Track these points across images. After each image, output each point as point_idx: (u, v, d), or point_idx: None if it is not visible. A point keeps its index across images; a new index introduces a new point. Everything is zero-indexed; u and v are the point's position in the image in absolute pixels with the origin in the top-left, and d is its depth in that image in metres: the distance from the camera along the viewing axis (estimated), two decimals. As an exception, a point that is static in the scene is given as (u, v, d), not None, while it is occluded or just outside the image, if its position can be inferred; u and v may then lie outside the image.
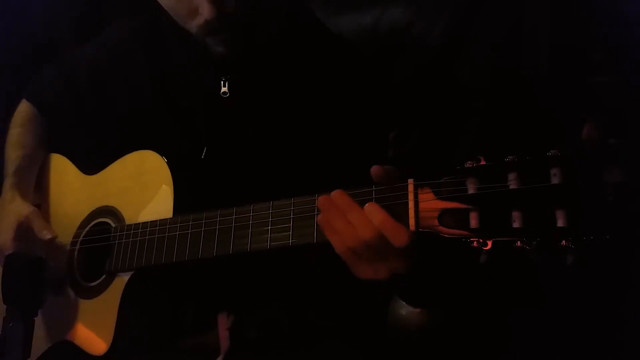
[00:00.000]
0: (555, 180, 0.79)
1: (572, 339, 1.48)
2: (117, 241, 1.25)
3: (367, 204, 0.94)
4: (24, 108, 1.50)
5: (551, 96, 1.51)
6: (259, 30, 1.21)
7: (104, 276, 1.26)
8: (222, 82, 1.26)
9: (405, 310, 1.48)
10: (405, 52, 1.63)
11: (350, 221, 0.95)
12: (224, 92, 1.26)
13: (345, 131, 1.26)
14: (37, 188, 1.45)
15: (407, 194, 0.92)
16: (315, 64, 1.30)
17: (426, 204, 0.90)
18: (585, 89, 1.50)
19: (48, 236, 1.29)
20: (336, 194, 0.98)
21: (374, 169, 0.98)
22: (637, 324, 1.42)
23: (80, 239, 1.34)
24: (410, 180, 0.93)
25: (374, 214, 0.93)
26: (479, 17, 1.59)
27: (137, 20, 1.40)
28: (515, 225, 0.81)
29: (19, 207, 1.34)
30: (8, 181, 1.39)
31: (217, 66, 1.25)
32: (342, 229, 0.96)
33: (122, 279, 1.22)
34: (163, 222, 1.18)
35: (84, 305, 1.29)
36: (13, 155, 1.43)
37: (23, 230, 1.31)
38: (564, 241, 0.78)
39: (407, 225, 0.91)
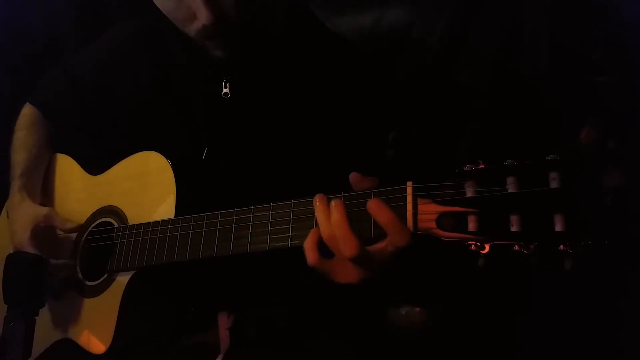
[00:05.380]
0: (554, 184, 0.79)
1: (570, 342, 1.49)
2: (119, 241, 1.25)
3: (370, 200, 0.94)
4: (28, 111, 1.51)
5: (551, 96, 1.51)
6: (258, 34, 1.21)
7: (105, 275, 1.27)
8: (223, 83, 1.26)
9: (404, 309, 1.48)
10: (405, 52, 1.64)
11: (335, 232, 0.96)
12: (225, 93, 1.26)
13: (346, 131, 1.27)
14: (43, 187, 1.46)
15: (405, 197, 0.92)
16: (315, 64, 1.30)
17: (424, 206, 0.90)
18: (585, 88, 1.50)
19: (74, 226, 1.33)
20: (332, 202, 0.98)
21: (351, 177, 0.99)
22: (636, 328, 1.42)
23: (84, 238, 1.35)
24: (409, 183, 0.93)
25: (378, 212, 0.93)
26: (479, 17, 1.59)
27: (139, 22, 1.41)
28: (514, 229, 0.81)
29: (33, 209, 1.36)
30: (16, 183, 1.41)
31: (218, 67, 1.26)
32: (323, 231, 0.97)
33: (123, 279, 1.23)
34: (165, 222, 1.19)
35: (85, 304, 1.29)
36: (19, 157, 1.44)
37: (38, 230, 1.32)
38: (562, 245, 0.78)
39: None
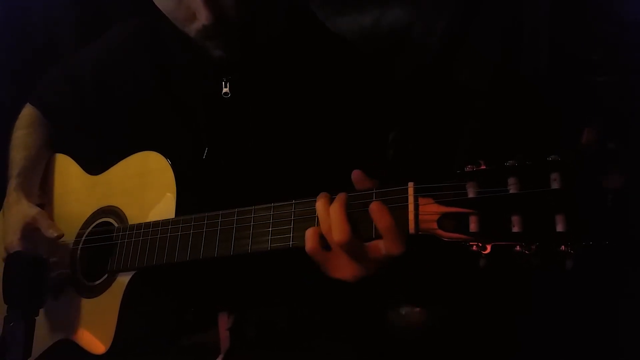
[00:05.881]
0: (555, 185, 0.79)
1: (570, 342, 1.49)
2: (119, 241, 1.25)
3: (373, 203, 0.94)
4: (27, 111, 1.51)
5: (551, 96, 1.51)
6: (258, 34, 1.21)
7: (105, 275, 1.27)
8: (223, 82, 1.26)
9: (404, 309, 1.48)
10: (406, 52, 1.63)
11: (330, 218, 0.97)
12: (225, 93, 1.26)
13: (346, 131, 1.27)
14: (41, 187, 1.46)
15: (407, 197, 0.93)
16: (316, 64, 1.30)
17: (426, 207, 0.90)
18: (585, 89, 1.50)
19: (54, 234, 1.30)
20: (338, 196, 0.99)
21: (353, 174, 1.00)
22: (636, 329, 1.43)
23: (83, 238, 1.34)
24: (411, 184, 0.93)
25: (380, 215, 0.93)
26: (479, 17, 1.59)
27: (139, 22, 1.40)
28: (515, 229, 0.81)
29: (25, 208, 1.35)
30: (13, 182, 1.40)
31: (218, 67, 1.25)
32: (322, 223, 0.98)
33: (123, 279, 1.23)
34: (165, 222, 1.19)
35: (86, 304, 1.29)
36: (17, 157, 1.44)
37: (29, 231, 1.32)
38: (563, 246, 0.78)
39: (407, 228, 0.92)
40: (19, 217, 1.34)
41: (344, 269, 1.00)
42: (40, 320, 1.22)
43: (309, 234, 1.00)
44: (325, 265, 1.02)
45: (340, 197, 0.98)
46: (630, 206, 0.76)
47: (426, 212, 0.90)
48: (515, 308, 1.49)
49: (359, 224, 0.96)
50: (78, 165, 1.44)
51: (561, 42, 1.54)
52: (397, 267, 0.98)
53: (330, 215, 0.97)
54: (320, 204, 0.99)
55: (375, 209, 0.93)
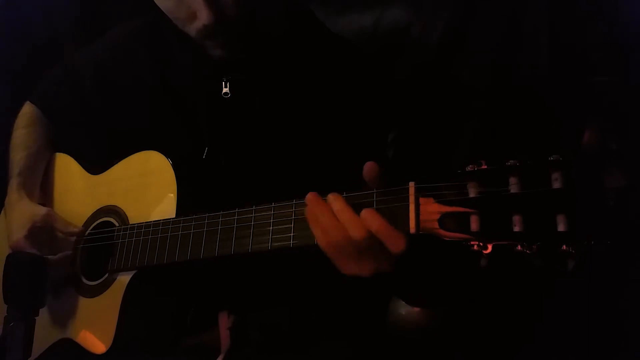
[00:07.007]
0: (556, 184, 0.79)
1: (571, 343, 1.49)
2: (119, 240, 1.25)
3: (363, 210, 0.94)
4: (27, 110, 1.51)
5: (551, 96, 1.51)
6: (259, 34, 1.21)
7: (106, 275, 1.27)
8: (223, 82, 1.26)
9: (404, 309, 1.48)
10: (405, 53, 1.63)
11: (339, 220, 0.96)
12: (225, 93, 1.26)
13: (346, 131, 1.27)
14: (42, 187, 1.46)
15: (408, 197, 0.92)
16: (316, 64, 1.30)
17: (427, 207, 0.90)
18: (585, 89, 1.50)
19: (75, 229, 1.33)
20: (331, 196, 0.98)
21: (368, 165, 0.97)
22: (638, 329, 1.42)
23: (84, 238, 1.34)
24: (412, 183, 0.93)
25: (371, 221, 0.93)
26: (478, 17, 1.59)
27: (140, 21, 1.41)
28: (516, 229, 0.81)
29: (31, 208, 1.35)
30: (14, 182, 1.40)
31: (218, 67, 1.25)
32: (328, 225, 0.97)
33: (124, 278, 1.23)
34: (166, 222, 1.19)
35: (86, 303, 1.30)
36: (18, 156, 1.44)
37: (35, 230, 1.32)
38: (564, 246, 0.78)
39: (407, 228, 0.92)
40: (25, 216, 1.34)
41: (356, 265, 0.99)
42: (41, 320, 1.22)
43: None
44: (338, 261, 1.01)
45: (338, 198, 0.97)
46: (631, 206, 0.76)
47: (427, 211, 0.90)
48: (525, 313, 1.49)
49: None
50: (79, 165, 1.44)
51: (561, 42, 1.54)
52: (401, 267, 0.98)
53: (340, 218, 0.96)
54: (319, 209, 0.98)
55: (365, 216, 0.93)
